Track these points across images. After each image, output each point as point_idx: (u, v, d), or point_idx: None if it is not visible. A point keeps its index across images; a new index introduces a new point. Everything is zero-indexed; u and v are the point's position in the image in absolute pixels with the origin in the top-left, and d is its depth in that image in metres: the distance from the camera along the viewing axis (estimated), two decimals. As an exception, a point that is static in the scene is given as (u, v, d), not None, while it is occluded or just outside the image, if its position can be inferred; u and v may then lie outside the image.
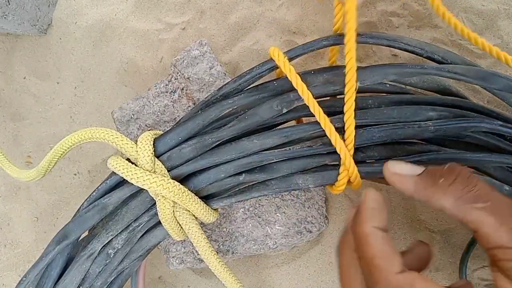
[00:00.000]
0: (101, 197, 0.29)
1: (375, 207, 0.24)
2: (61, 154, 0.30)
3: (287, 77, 0.28)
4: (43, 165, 0.30)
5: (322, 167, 0.29)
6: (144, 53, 0.42)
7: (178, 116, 0.36)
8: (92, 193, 0.30)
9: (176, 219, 0.29)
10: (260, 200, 0.34)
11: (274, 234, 0.34)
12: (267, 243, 0.34)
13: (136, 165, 0.28)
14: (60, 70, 0.43)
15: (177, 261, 0.34)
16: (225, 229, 0.34)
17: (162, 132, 0.30)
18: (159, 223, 0.30)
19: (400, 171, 0.25)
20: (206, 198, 0.30)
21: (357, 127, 0.28)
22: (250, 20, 0.41)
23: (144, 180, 0.27)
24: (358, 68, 0.28)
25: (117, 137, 0.29)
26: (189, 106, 0.36)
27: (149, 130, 0.31)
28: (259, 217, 0.34)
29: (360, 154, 0.28)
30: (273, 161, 0.29)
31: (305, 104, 0.28)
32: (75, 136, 0.29)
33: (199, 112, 0.30)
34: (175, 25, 0.41)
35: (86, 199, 0.30)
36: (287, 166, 0.29)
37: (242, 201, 0.30)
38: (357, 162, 0.28)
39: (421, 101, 0.29)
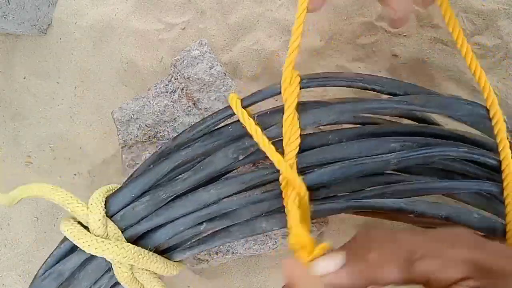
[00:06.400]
0: (56, 263, 0.28)
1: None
2: (17, 201, 0.29)
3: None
4: (7, 199, 0.29)
5: (283, 208, 0.27)
6: (144, 53, 0.42)
7: (178, 116, 0.36)
8: (47, 258, 0.29)
9: (137, 279, 0.28)
10: (260, 200, 0.34)
11: (274, 234, 0.34)
12: (267, 243, 0.34)
13: (88, 229, 0.27)
14: (60, 70, 0.43)
15: (177, 261, 0.34)
16: (225, 229, 0.34)
17: (117, 187, 0.29)
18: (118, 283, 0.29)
19: (324, 269, 0.21)
20: (167, 251, 0.29)
21: (317, 165, 0.27)
22: (250, 20, 0.41)
23: (95, 248, 0.26)
24: (314, 108, 0.27)
25: (67, 200, 0.27)
26: (189, 106, 0.36)
27: (104, 186, 0.29)
28: (259, 217, 0.34)
29: (324, 190, 0.27)
30: (233, 208, 0.27)
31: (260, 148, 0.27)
32: (24, 191, 0.28)
33: (151, 166, 0.29)
34: (175, 25, 0.41)
35: (42, 265, 0.29)
36: (248, 210, 0.27)
37: (205, 250, 0.29)
38: (323, 199, 0.27)
39: (383, 132, 0.28)
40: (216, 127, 0.29)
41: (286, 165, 0.26)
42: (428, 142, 0.27)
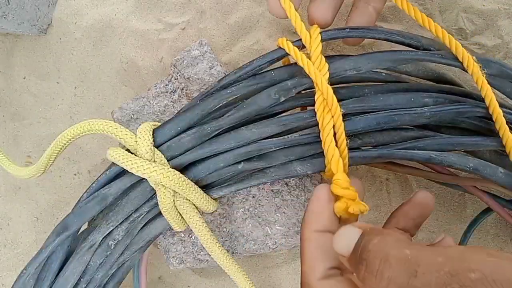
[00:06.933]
0: (100, 188, 0.29)
1: (317, 210, 0.25)
2: (61, 149, 0.30)
3: (284, 67, 0.29)
4: (43, 161, 0.30)
5: (320, 154, 0.29)
6: (144, 53, 0.42)
7: (178, 116, 0.36)
8: (91, 184, 0.30)
9: (177, 209, 0.29)
10: (260, 200, 0.34)
11: (274, 234, 0.34)
12: (267, 243, 0.34)
13: (135, 155, 0.28)
14: (60, 70, 0.43)
15: (177, 261, 0.34)
16: (225, 229, 0.34)
17: (161, 123, 0.30)
18: (159, 214, 0.30)
19: (338, 249, 0.22)
20: (206, 188, 0.31)
21: (353, 114, 0.28)
22: (250, 20, 0.41)
23: (144, 169, 0.27)
24: (353, 56, 0.29)
25: (116, 128, 0.29)
26: (189, 106, 0.36)
27: (148, 121, 0.31)
28: (259, 217, 0.34)
29: (358, 140, 0.29)
30: (271, 149, 0.29)
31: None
32: (74, 129, 0.29)
33: (198, 102, 0.30)
34: (175, 25, 0.41)
35: (86, 190, 0.30)
36: (285, 154, 0.29)
37: (241, 189, 0.30)
38: (354, 149, 0.29)
39: (417, 88, 0.29)
40: (261, 71, 0.30)
41: (324, 81, 0.27)
42: (459, 100, 0.28)
